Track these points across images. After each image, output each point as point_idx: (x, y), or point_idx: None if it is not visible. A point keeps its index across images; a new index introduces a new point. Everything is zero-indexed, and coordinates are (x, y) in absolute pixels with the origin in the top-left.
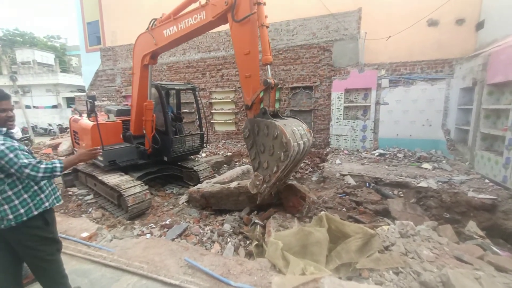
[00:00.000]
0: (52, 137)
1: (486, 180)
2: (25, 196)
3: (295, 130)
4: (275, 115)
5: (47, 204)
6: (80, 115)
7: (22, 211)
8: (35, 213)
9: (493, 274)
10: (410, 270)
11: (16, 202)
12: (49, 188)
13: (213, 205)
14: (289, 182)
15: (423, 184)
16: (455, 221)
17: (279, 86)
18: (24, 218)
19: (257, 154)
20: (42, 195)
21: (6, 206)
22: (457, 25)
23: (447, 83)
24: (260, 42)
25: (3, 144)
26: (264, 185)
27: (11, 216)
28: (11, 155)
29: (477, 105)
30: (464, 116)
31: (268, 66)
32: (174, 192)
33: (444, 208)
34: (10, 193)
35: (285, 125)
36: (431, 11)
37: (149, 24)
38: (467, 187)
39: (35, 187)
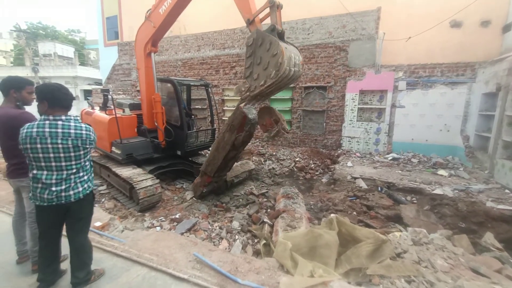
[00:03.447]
0: None
1: (507, 190)
2: (90, 173)
3: (292, 57)
4: (281, 36)
5: (94, 182)
6: (92, 108)
7: (86, 185)
8: (91, 188)
9: None
10: (423, 279)
11: (85, 178)
12: None
13: (211, 172)
14: (270, 106)
15: (438, 191)
16: (471, 231)
17: (292, 85)
18: (87, 192)
19: (252, 64)
20: (93, 174)
21: (78, 181)
22: (482, 27)
23: (469, 87)
24: None
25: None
26: (248, 93)
27: (80, 189)
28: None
29: (500, 111)
30: (485, 123)
31: None
32: (184, 187)
33: (459, 217)
34: (82, 171)
35: (286, 48)
36: (454, 12)
37: (146, 14)
38: (486, 197)
39: (92, 166)
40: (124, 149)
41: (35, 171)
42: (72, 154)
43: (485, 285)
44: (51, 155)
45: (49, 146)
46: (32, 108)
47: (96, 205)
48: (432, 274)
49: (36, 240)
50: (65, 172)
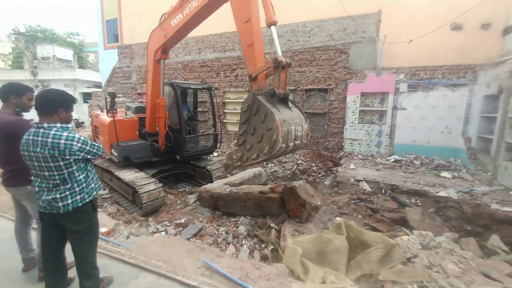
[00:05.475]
0: None
1: (511, 192)
2: (84, 184)
3: (291, 130)
4: (285, 99)
5: (95, 192)
6: (102, 111)
7: (78, 197)
8: (87, 200)
9: None
10: (436, 285)
11: (77, 189)
12: (96, 176)
13: (221, 207)
14: (292, 185)
15: (442, 193)
16: (476, 234)
17: (293, 88)
18: (80, 204)
19: (246, 132)
20: (93, 184)
21: (67, 193)
22: (483, 30)
23: (470, 89)
24: (262, 2)
25: (80, 136)
26: (239, 163)
27: (70, 201)
28: (90, 142)
29: (503, 113)
30: (487, 125)
31: (273, 27)
32: (186, 190)
33: (465, 219)
34: (70, 182)
35: (284, 121)
36: (455, 15)
37: (160, 18)
38: (490, 199)
39: (90, 176)
40: (121, 152)
41: (32, 177)
42: (51, 164)
43: None
44: (36, 163)
45: (32, 154)
46: (29, 114)
47: (99, 209)
48: (444, 279)
49: None
50: (51, 182)
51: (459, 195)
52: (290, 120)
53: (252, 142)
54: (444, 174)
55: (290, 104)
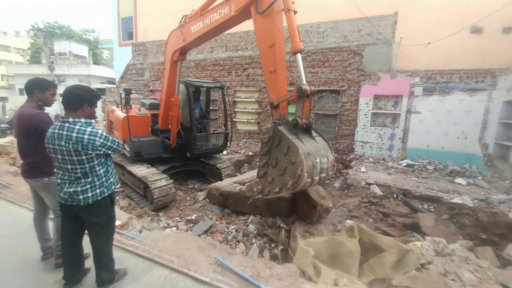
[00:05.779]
0: None
1: None
2: (104, 179)
3: (316, 163)
4: (308, 129)
5: (113, 187)
6: (117, 106)
7: (98, 191)
8: (106, 194)
9: None
10: None
11: (97, 183)
12: (114, 171)
13: (231, 205)
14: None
15: (457, 200)
16: (491, 242)
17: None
18: (99, 198)
19: (267, 164)
20: (112, 179)
21: (88, 186)
22: (504, 34)
23: (488, 94)
24: (288, 29)
25: (103, 132)
26: (260, 196)
27: (90, 194)
28: (111, 138)
29: None
30: (506, 131)
31: (299, 55)
32: (196, 187)
33: (480, 228)
34: (91, 176)
35: (309, 154)
36: (474, 18)
37: (180, 20)
38: (507, 208)
39: (110, 171)
40: (132, 147)
41: (55, 170)
42: (75, 158)
43: None
44: (59, 156)
45: (57, 147)
46: (49, 108)
47: None
48: None
49: (59, 235)
50: (73, 175)
51: (474, 203)
52: (315, 152)
53: (273, 175)
54: (459, 180)
55: (314, 133)
